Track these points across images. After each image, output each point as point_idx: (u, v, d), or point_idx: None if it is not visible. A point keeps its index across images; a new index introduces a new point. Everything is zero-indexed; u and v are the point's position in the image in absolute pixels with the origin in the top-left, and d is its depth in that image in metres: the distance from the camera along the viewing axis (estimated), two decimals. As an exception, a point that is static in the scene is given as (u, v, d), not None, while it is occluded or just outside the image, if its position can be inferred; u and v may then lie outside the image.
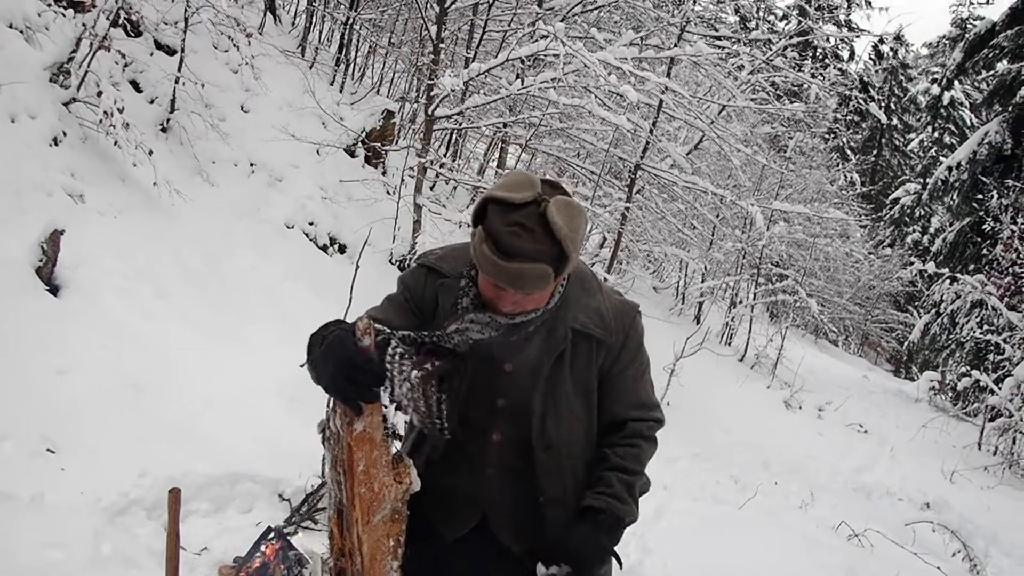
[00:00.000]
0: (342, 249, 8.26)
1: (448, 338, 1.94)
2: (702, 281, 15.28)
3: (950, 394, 15.09)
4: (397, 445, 1.91)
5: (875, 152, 32.45)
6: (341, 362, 1.68)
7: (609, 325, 2.05)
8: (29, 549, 3.24)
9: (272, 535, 3.94)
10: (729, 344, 15.34)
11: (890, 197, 28.11)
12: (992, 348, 14.40)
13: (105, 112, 6.21)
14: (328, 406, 1.84)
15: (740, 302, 15.95)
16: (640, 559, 4.88)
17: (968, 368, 14.46)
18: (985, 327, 14.35)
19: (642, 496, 2.08)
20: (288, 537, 3.99)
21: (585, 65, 7.27)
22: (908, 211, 26.50)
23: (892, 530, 6.84)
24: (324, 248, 8.11)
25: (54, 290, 5.14)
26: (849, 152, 28.40)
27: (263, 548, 3.89)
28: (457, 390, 1.99)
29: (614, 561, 2.07)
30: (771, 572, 4.89)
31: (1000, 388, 12.21)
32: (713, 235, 14.57)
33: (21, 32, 6.61)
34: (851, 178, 25.35)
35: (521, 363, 2.02)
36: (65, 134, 6.31)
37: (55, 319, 4.89)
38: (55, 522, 3.46)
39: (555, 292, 1.98)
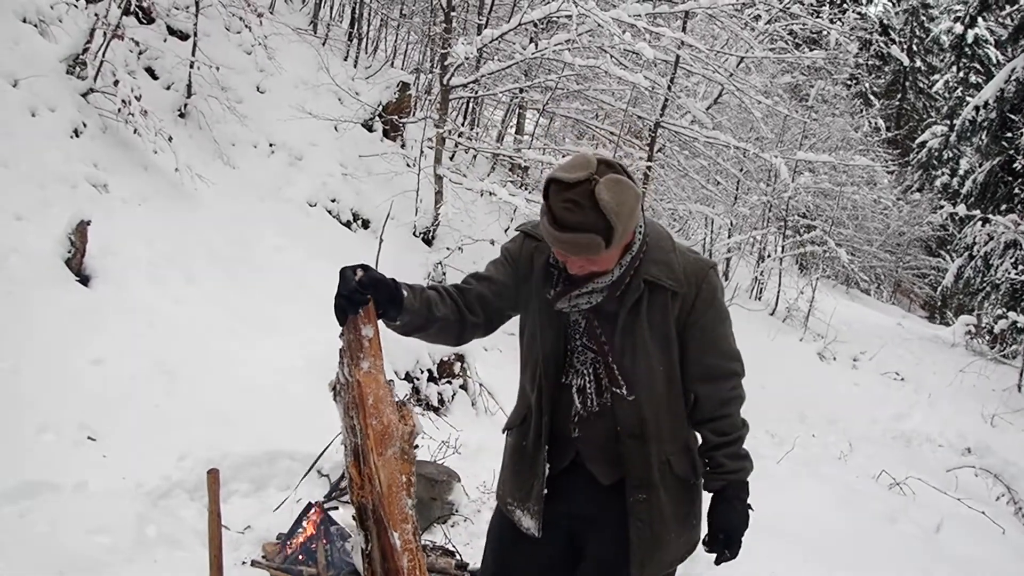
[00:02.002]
0: (366, 224, 8.27)
1: (562, 309, 2.24)
2: (728, 237, 15.15)
3: (987, 337, 14.91)
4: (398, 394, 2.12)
5: (899, 96, 31.81)
6: (339, 288, 2.03)
7: (680, 277, 2.21)
8: (76, 536, 3.30)
9: (313, 511, 3.98)
10: (759, 299, 15.24)
11: (917, 141, 27.59)
12: (1028, 288, 14.19)
13: (123, 101, 6.24)
14: (339, 360, 2.07)
15: (768, 256, 15.81)
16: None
17: (1004, 310, 14.25)
18: (1020, 267, 14.12)
19: (745, 440, 2.32)
20: (329, 512, 4.03)
21: (599, 24, 7.17)
22: (936, 154, 26.00)
23: (933, 477, 6.81)
24: (348, 224, 8.13)
25: (84, 280, 5.19)
26: (872, 97, 27.88)
27: (305, 524, 3.93)
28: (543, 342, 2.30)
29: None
30: (811, 524, 4.88)
31: (1038, 328, 12.04)
32: (737, 189, 14.39)
33: (35, 26, 6.63)
34: (876, 124, 24.89)
35: (602, 314, 2.24)
36: (85, 125, 6.35)
37: (87, 309, 4.95)
38: (100, 508, 3.52)
39: (626, 254, 2.18)
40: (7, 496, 3.42)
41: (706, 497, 2.35)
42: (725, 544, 2.26)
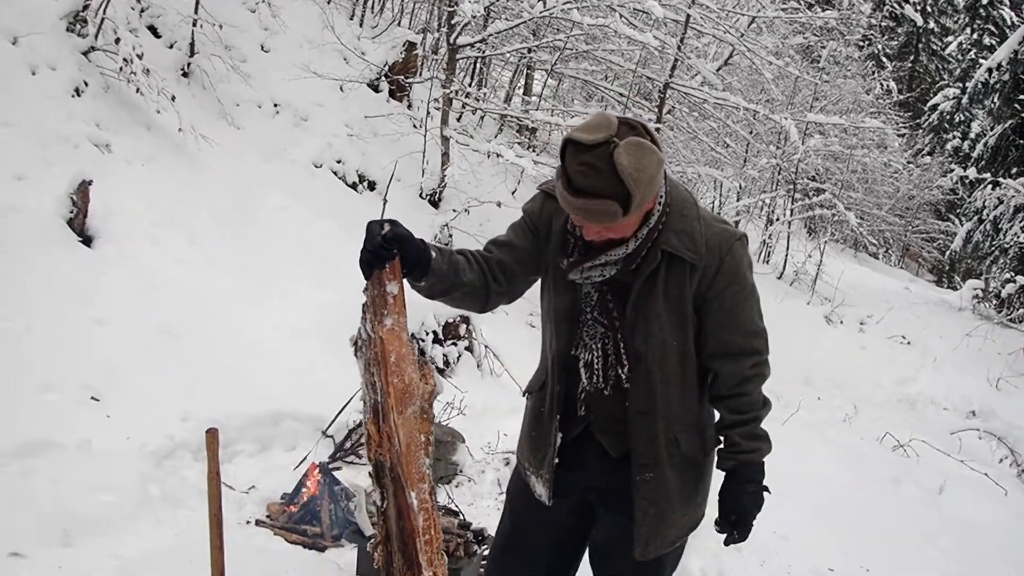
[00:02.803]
0: (371, 186, 8.21)
1: (574, 280, 2.17)
2: (737, 200, 15.04)
3: (994, 301, 14.82)
4: (435, 352, 2.09)
5: (912, 58, 31.36)
6: (365, 242, 1.97)
7: (700, 250, 2.11)
8: (80, 494, 3.32)
9: (317, 471, 4.00)
10: (767, 262, 15.17)
11: (928, 103, 27.23)
12: (1037, 253, 14.09)
13: (125, 59, 6.17)
14: (361, 315, 2.03)
15: (777, 219, 15.71)
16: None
17: (1013, 274, 14.17)
18: (1030, 231, 14.02)
19: (765, 419, 2.24)
20: (333, 472, 4.05)
21: (607, -19, 7.05)
22: (947, 117, 25.69)
23: (938, 439, 6.81)
24: (353, 186, 8.08)
25: (87, 241, 5.17)
26: (885, 59, 27.50)
27: (309, 484, 3.95)
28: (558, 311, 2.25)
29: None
30: (815, 485, 4.89)
31: (1046, 293, 11.97)
32: (747, 152, 14.26)
33: (34, -18, 6.54)
34: (887, 86, 24.56)
35: (616, 286, 2.17)
36: (87, 84, 6.28)
37: (90, 269, 4.93)
38: (103, 467, 3.53)
39: (645, 224, 2.08)
40: (10, 454, 3.43)
41: (718, 475, 2.29)
42: (734, 526, 2.22)
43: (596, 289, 2.18)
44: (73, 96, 6.11)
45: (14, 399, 3.82)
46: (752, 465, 2.21)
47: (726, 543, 2.27)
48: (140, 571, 2.92)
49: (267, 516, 3.88)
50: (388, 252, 1.97)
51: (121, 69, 6.19)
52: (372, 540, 2.22)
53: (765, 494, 2.25)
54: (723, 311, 2.16)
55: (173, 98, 6.42)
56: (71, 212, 5.12)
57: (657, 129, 9.86)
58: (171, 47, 7.52)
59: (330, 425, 4.67)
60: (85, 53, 6.37)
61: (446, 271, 2.12)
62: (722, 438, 2.26)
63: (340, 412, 4.63)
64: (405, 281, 2.07)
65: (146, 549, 3.11)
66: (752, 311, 2.20)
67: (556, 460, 2.27)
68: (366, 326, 2.04)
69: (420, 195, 8.43)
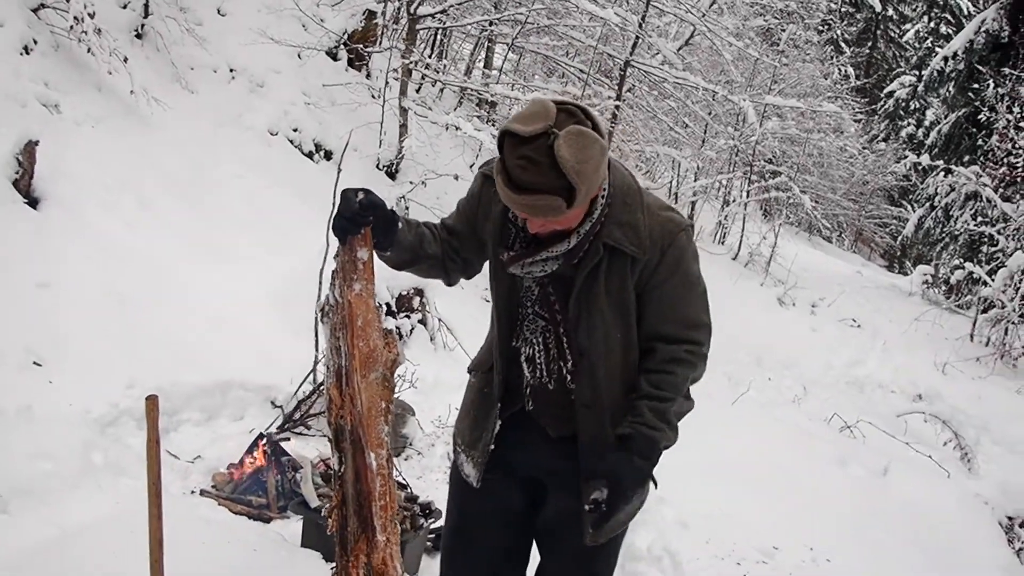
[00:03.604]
0: (328, 155, 8.10)
1: (514, 275, 2.13)
2: (695, 180, 15.13)
3: (943, 287, 15.13)
4: (388, 323, 2.07)
5: (870, 44, 31.69)
6: (341, 208, 2.02)
7: (643, 242, 2.04)
8: (19, 460, 3.24)
9: (264, 441, 3.95)
10: (722, 243, 15.32)
11: (885, 90, 27.60)
12: (986, 240, 14.40)
13: (75, 18, 5.97)
14: (331, 281, 2.09)
15: (733, 200, 15.84)
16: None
17: (961, 260, 14.47)
18: (979, 219, 14.30)
19: (682, 418, 2.16)
20: (280, 443, 4.00)
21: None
22: (903, 104, 26.05)
23: (884, 422, 6.94)
24: (309, 155, 7.96)
25: (33, 203, 5.01)
26: (843, 44, 27.76)
27: (255, 454, 3.90)
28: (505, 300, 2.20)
29: (651, 483, 2.15)
30: (762, 464, 4.95)
31: (993, 280, 12.24)
32: (705, 133, 14.33)
33: (-20, -66, 6.30)
34: (845, 71, 24.82)
35: (558, 280, 2.11)
36: (36, 42, 6.08)
37: (35, 232, 4.79)
38: (44, 434, 3.45)
39: (592, 211, 2.01)
40: (-54, 419, 3.34)
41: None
42: (606, 498, 1.98)
43: (537, 283, 2.13)
44: (21, 54, 5.91)
45: (-49, 363, 3.71)
46: (649, 441, 2.05)
47: (591, 512, 2.02)
48: (79, 539, 2.86)
49: (212, 486, 3.82)
50: (364, 218, 2.02)
51: (72, 28, 5.99)
52: (327, 505, 2.24)
53: (652, 488, 2.15)
54: (663, 302, 2.10)
55: (125, 59, 6.25)
56: (16, 173, 4.96)
57: (617, 107, 9.85)
58: (124, 7, 7.30)
59: (297, 396, 4.62)
60: (35, 10, 6.17)
61: (412, 242, 2.17)
62: (631, 408, 2.09)
63: (299, 388, 4.59)
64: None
65: (86, 517, 3.04)
66: (694, 303, 2.12)
67: (492, 446, 2.23)
68: (335, 292, 2.08)
69: (377, 166, 8.34)
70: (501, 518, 2.34)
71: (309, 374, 4.63)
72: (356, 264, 2.07)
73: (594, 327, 2.09)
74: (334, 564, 2.18)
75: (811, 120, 15.64)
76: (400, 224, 2.13)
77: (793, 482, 4.79)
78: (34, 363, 4.01)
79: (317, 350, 4.73)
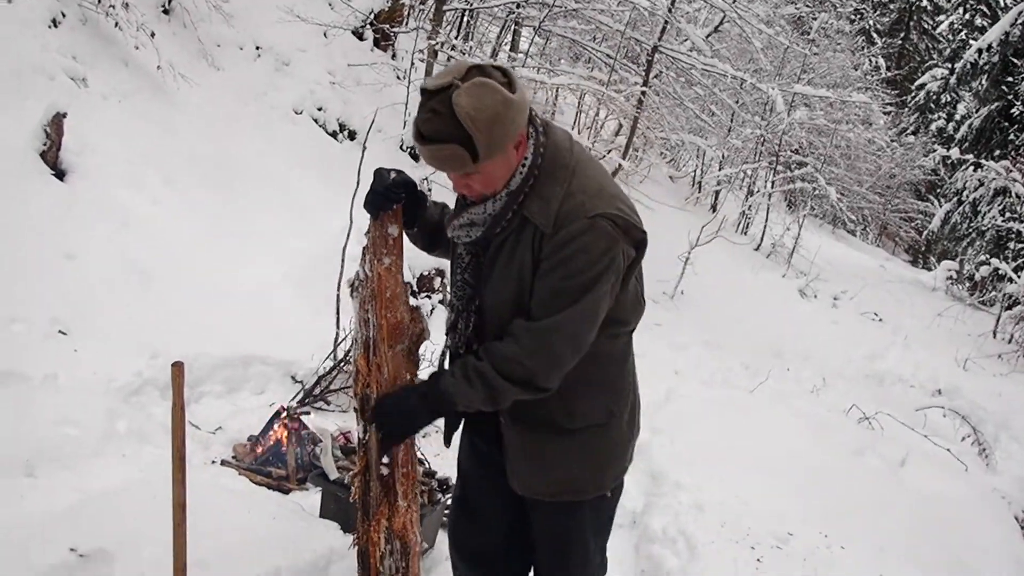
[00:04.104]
0: (352, 135, 8.12)
1: (452, 239, 2.17)
2: (719, 169, 15.04)
3: (967, 284, 14.98)
4: (412, 301, 2.23)
5: (902, 35, 31.30)
6: (374, 184, 2.12)
7: (549, 216, 1.99)
8: (45, 426, 3.29)
9: (285, 415, 3.99)
10: (745, 233, 15.22)
11: (916, 83, 27.27)
12: (1013, 236, 14.22)
13: (104, -8, 6.03)
14: (361, 257, 2.18)
15: (757, 191, 15.73)
16: (648, 439, 4.92)
17: (987, 257, 14.30)
18: (1008, 215, 14.13)
19: (490, 391, 2.03)
20: (300, 417, 4.04)
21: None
22: (934, 97, 25.74)
23: (903, 415, 6.88)
24: (333, 135, 7.98)
25: (60, 175, 5.08)
26: (875, 35, 27.47)
27: (276, 427, 3.94)
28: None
29: (442, 438, 2.30)
30: (779, 451, 4.94)
31: (1019, 276, 12.10)
32: (732, 121, 14.23)
33: (12, -93, 6.35)
34: (876, 62, 24.57)
35: (486, 249, 2.12)
36: (64, 15, 6.14)
37: (62, 204, 4.86)
38: (69, 401, 3.50)
39: (514, 177, 2.01)
40: (-25, 384, 3.40)
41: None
42: (375, 410, 2.12)
43: (468, 251, 2.15)
44: (50, 27, 5.98)
45: (-21, 329, 3.78)
46: (437, 390, 2.07)
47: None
48: (102, 504, 2.90)
49: (233, 457, 3.87)
50: (396, 195, 2.12)
51: (100, 2, 6.06)
52: (348, 474, 2.31)
53: (425, 430, 2.20)
54: (537, 288, 2.02)
55: (152, 35, 6.31)
56: (44, 144, 5.02)
57: (643, 92, 9.80)
58: (152, -18, 7.35)
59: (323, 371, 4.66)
60: (63, -17, 6.22)
61: (438, 221, 2.27)
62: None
63: (323, 363, 4.62)
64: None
65: (109, 483, 3.09)
66: (556, 303, 1.98)
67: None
68: (365, 266, 2.16)
69: (401, 147, 8.35)
70: (501, 492, 2.35)
71: (329, 354, 4.66)
72: (386, 239, 2.14)
73: (500, 299, 2.09)
74: (355, 531, 2.23)
75: (840, 111, 15.50)
76: (429, 205, 2.25)
77: (809, 470, 4.77)
78: (60, 332, 4.07)
79: (338, 327, 4.76)
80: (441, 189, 7.58)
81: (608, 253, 1.97)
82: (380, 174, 2.12)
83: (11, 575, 2.58)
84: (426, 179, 7.43)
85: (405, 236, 2.21)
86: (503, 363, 2.02)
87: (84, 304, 4.28)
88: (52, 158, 5.06)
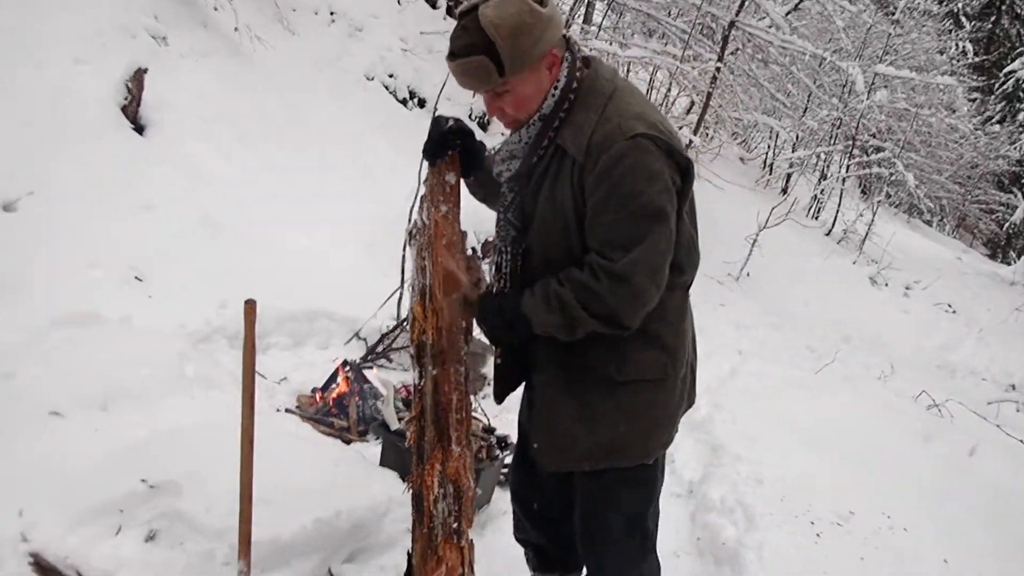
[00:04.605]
0: (421, 103, 8.15)
1: (498, 176, 2.13)
2: (792, 151, 14.71)
3: (1049, 278, 14.46)
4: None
5: (992, 19, 30.09)
6: (431, 131, 2.12)
7: (581, 144, 1.92)
8: (119, 365, 3.39)
9: (348, 368, 4.05)
10: (816, 218, 14.91)
11: (1005, 70, 26.26)
12: (1100, 231, 13.65)
13: (186, -47, 6.13)
14: (419, 205, 2.16)
15: (831, 175, 15.36)
16: (709, 414, 4.88)
17: (1071, 251, 13.77)
18: (1095, 208, 13.56)
19: (569, 320, 1.95)
20: (363, 371, 4.09)
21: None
22: (1023, 85, 24.80)
23: (974, 407, 6.70)
24: (404, 102, 8.02)
25: (139, 129, 5.22)
26: (964, 19, 26.49)
27: (339, 380, 4.00)
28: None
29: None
30: (843, 432, 4.85)
31: (1104, 272, 11.64)
32: (808, 102, 13.89)
33: None
34: (963, 47, 23.70)
35: (527, 184, 2.08)
36: (147, -23, 6.26)
37: (140, 156, 4.99)
38: (143, 343, 3.60)
39: (546, 100, 1.97)
40: (56, 322, 3.51)
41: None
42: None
43: (510, 189, 2.10)
44: (133, -13, 6.11)
45: (61, 271, 3.91)
46: (513, 304, 2.02)
47: None
48: (172, 440, 2.98)
49: (297, 407, 3.95)
50: (453, 141, 2.10)
51: (181, -37, 6.16)
52: (406, 417, 2.31)
53: (484, 391, 2.19)
54: (591, 217, 1.93)
55: (231, -3, 6.40)
56: (125, 99, 5.16)
57: (718, 69, 9.63)
58: (233, -54, 7.45)
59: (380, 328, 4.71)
60: (147, -56, 6.34)
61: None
62: None
63: (379, 308, 4.67)
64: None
65: (179, 422, 3.17)
66: (620, 224, 1.89)
67: (498, 360, 2.25)
68: (422, 214, 2.14)
69: (470, 116, 8.35)
70: None
71: (385, 301, 4.70)
72: (444, 187, 2.13)
73: (539, 235, 2.04)
74: (410, 476, 2.25)
75: (922, 95, 15.02)
76: (487, 153, 2.21)
77: (874, 452, 4.68)
78: (136, 278, 4.19)
79: (402, 287, 4.81)
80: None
81: (660, 174, 1.88)
82: (438, 121, 2.12)
83: (87, 500, 2.68)
84: (494, 148, 7.45)
85: (464, 186, 2.21)
86: (585, 295, 1.92)
87: (159, 253, 4.39)
88: (132, 113, 5.19)
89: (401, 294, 4.79)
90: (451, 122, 2.11)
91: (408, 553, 2.18)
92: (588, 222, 1.94)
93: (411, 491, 2.22)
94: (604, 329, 1.95)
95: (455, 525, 2.14)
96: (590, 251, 1.95)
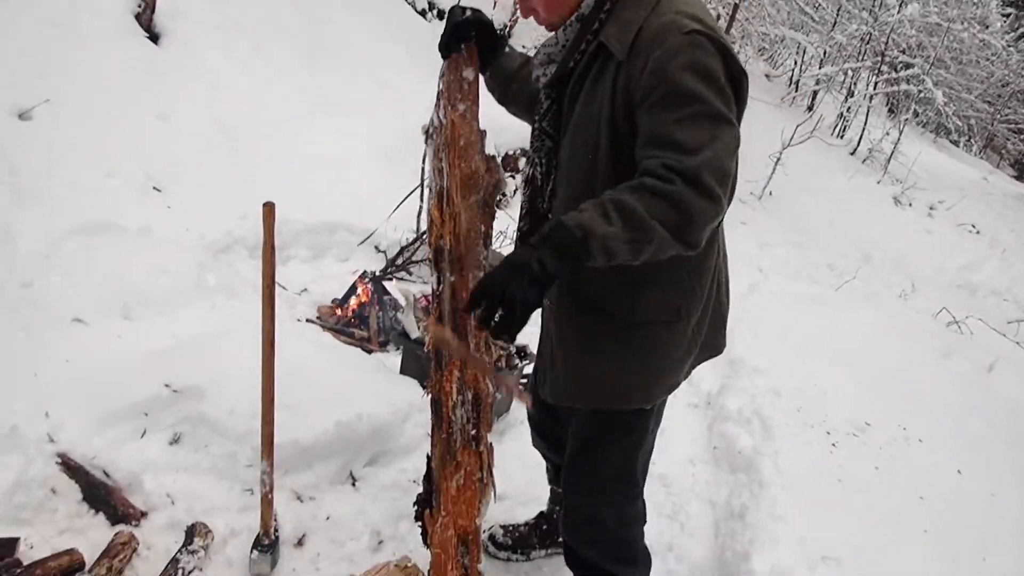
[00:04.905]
0: (441, 15, 7.98)
1: (536, 79, 1.98)
2: (819, 67, 14.36)
3: (1077, 200, 14.19)
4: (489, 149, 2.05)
5: (1030, -68, 29.01)
6: (447, 22, 2.01)
7: (626, 40, 1.70)
8: (140, 274, 3.41)
9: (368, 279, 4.06)
10: (841, 136, 14.61)
11: (1041, -16, 25.38)
12: None
13: None
14: (435, 103, 2.06)
15: (858, 92, 15.01)
16: (729, 328, 4.85)
17: (1102, 172, 13.48)
18: None
19: (635, 232, 1.53)
20: (383, 283, 4.10)
21: None
22: (1059, 0, 23.95)
23: (994, 326, 6.66)
24: (422, 13, 7.86)
25: (154, 38, 5.14)
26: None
27: (359, 291, 4.02)
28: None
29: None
30: (861, 347, 4.84)
31: None
32: (837, 16, 13.49)
33: None
34: (999, -41, 22.87)
35: (562, 89, 1.92)
36: None
37: (156, 65, 4.92)
38: (163, 252, 3.61)
39: (580, 6, 1.82)
40: (75, 231, 3.52)
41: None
42: (476, 293, 1.54)
43: (547, 96, 1.95)
44: None
45: (79, 181, 3.90)
46: (563, 227, 1.52)
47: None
48: (194, 347, 3.01)
49: (318, 317, 3.97)
50: (466, 32, 2.00)
51: None
52: (425, 323, 2.27)
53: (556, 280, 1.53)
54: (645, 121, 1.65)
55: (246, -99, 6.21)
56: (139, 6, 5.08)
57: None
58: None
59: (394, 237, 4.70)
60: None
61: (515, 69, 2.14)
62: None
63: (393, 213, 4.65)
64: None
65: (200, 330, 3.20)
66: (684, 125, 1.59)
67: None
68: (439, 112, 2.05)
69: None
70: None
71: (397, 207, 4.68)
72: (461, 84, 2.03)
73: (570, 143, 1.87)
74: (430, 379, 2.25)
75: (955, 8, 14.53)
76: (506, 48, 2.13)
77: (892, 367, 4.68)
78: (154, 188, 4.18)
79: (422, 199, 4.78)
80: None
81: (719, 75, 1.63)
82: (453, 12, 2.01)
83: (112, 404, 2.73)
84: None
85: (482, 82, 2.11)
86: (654, 201, 1.54)
87: (176, 163, 4.37)
88: (146, 21, 5.11)
89: (420, 208, 4.76)
90: (468, 12, 2.02)
91: (427, 456, 2.20)
92: (642, 127, 1.66)
93: (430, 396, 2.21)
94: (673, 244, 1.58)
95: (474, 432, 2.13)
96: (637, 151, 1.66)
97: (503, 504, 2.93)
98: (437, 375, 2.17)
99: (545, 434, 2.54)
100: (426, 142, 2.12)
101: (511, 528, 2.76)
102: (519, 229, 2.11)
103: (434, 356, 2.18)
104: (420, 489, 2.26)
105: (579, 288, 1.94)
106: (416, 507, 2.28)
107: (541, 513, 2.80)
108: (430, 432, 2.22)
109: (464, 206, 2.00)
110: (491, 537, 2.73)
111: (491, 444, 2.20)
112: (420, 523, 2.27)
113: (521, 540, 2.74)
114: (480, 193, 2.02)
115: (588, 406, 2.08)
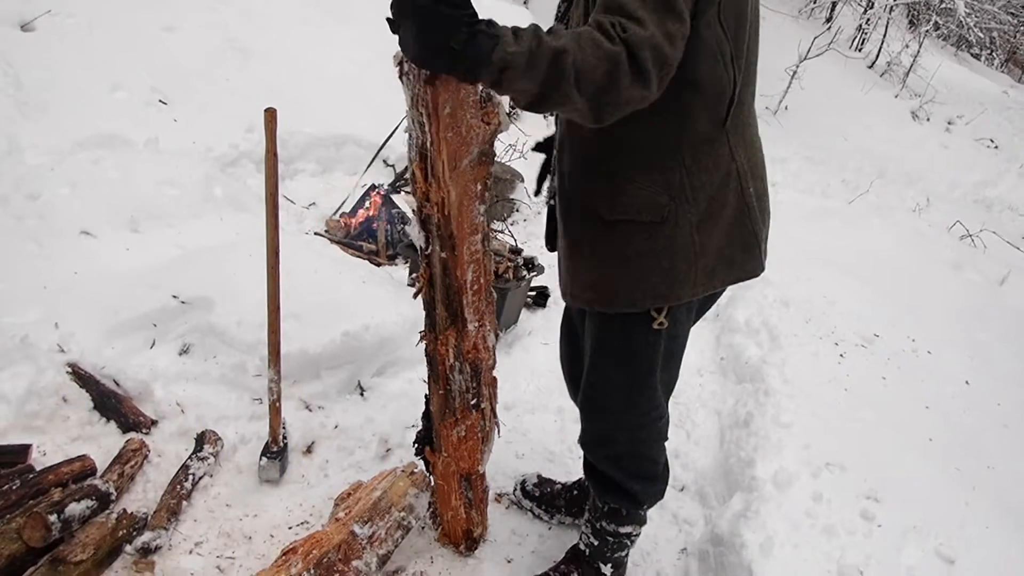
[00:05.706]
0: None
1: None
2: (838, -23, 13.93)
3: (1099, 113, 13.88)
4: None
5: None
6: None
7: None
8: (146, 185, 3.40)
9: (376, 193, 4.04)
10: (860, 50, 14.27)
11: None
12: None
13: None
14: None
15: (878, 3, 14.60)
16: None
17: None
18: None
19: (559, 72, 1.43)
20: (391, 196, 4.08)
21: None
22: (1091, -95, 23.01)
23: (1008, 239, 6.60)
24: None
25: (155, -53, 5.02)
26: None
27: (367, 204, 4.00)
28: None
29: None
30: (873, 259, 4.82)
31: None
32: (857, -77, 13.04)
33: None
34: None
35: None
36: None
37: (158, -24, 4.82)
38: (170, 165, 3.59)
39: None
40: (81, 144, 3.51)
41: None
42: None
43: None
44: None
45: (85, 94, 3.87)
46: (492, 28, 1.40)
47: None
48: (202, 259, 3.02)
49: (326, 231, 3.97)
50: None
51: None
52: (417, 274, 2.12)
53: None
54: None
55: None
56: (138, -86, 4.94)
57: None
58: None
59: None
60: None
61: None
62: None
63: (390, 136, 4.60)
64: None
65: (207, 242, 3.20)
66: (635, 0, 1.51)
67: (551, 202, 2.06)
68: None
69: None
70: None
71: (396, 128, 4.62)
72: None
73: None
74: (421, 333, 2.08)
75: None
76: None
77: (904, 279, 4.66)
78: (160, 101, 4.14)
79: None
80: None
81: None
82: None
83: (121, 315, 2.75)
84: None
85: None
86: (590, 51, 1.46)
87: (182, 76, 4.32)
88: (147, -71, 4.98)
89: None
90: None
91: (425, 396, 2.15)
92: None
93: (424, 349, 2.05)
94: (580, 102, 1.49)
95: (473, 401, 2.05)
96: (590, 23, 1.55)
97: (511, 412, 2.97)
98: (431, 334, 2.02)
99: (570, 373, 2.42)
100: (400, 78, 1.66)
101: (544, 482, 2.64)
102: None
103: (427, 316, 2.02)
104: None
105: (575, 192, 1.90)
106: (416, 444, 2.25)
107: (579, 480, 2.63)
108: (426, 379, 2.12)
109: (454, 176, 1.73)
110: (522, 484, 2.63)
111: (495, 379, 2.12)
112: (421, 457, 2.25)
113: (548, 498, 2.60)
114: (475, 150, 1.75)
115: (576, 304, 2.03)
